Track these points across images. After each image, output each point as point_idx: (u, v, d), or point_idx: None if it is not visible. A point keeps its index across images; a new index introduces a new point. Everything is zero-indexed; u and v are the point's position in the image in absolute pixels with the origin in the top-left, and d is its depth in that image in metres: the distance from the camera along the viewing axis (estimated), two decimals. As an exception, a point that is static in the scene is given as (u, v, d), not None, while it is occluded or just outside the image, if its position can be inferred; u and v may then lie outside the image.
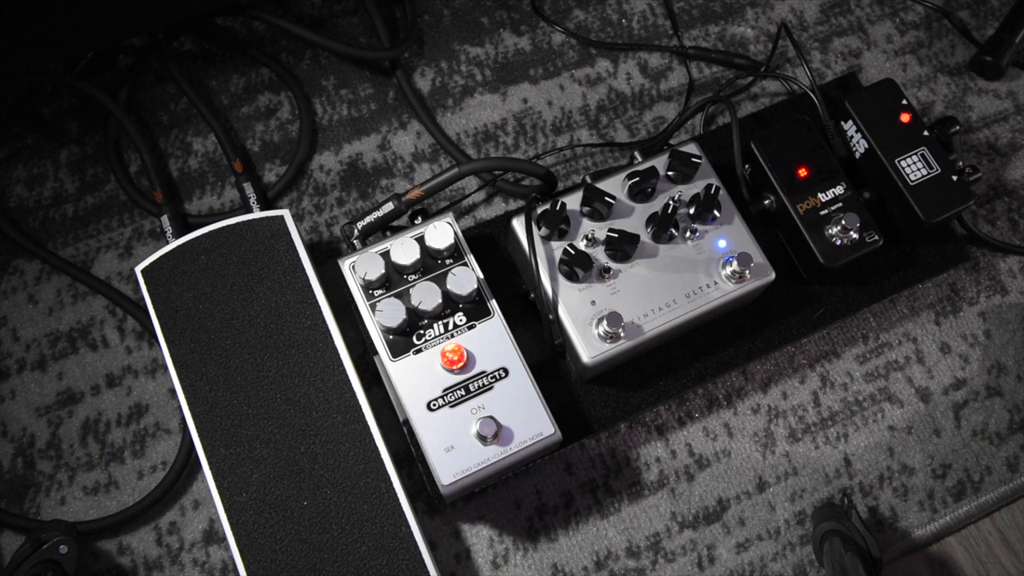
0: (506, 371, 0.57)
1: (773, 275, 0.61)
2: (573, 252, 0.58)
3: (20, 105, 0.72)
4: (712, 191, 0.60)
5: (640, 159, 0.64)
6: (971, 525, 0.65)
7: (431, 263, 0.60)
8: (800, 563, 0.63)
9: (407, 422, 0.57)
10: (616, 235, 0.58)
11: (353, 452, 0.57)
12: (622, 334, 0.57)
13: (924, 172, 0.65)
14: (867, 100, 0.67)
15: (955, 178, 0.65)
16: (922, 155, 0.65)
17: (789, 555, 0.63)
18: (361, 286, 0.59)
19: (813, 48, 0.78)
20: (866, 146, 0.66)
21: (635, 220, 0.61)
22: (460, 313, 0.59)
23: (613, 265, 0.59)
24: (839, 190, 0.64)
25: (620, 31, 0.78)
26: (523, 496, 0.63)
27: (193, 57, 0.75)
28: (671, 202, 0.59)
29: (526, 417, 0.56)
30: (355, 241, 0.62)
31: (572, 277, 0.59)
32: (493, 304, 0.59)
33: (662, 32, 0.78)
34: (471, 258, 0.60)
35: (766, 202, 0.66)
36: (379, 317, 0.57)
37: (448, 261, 0.60)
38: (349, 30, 0.77)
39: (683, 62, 0.77)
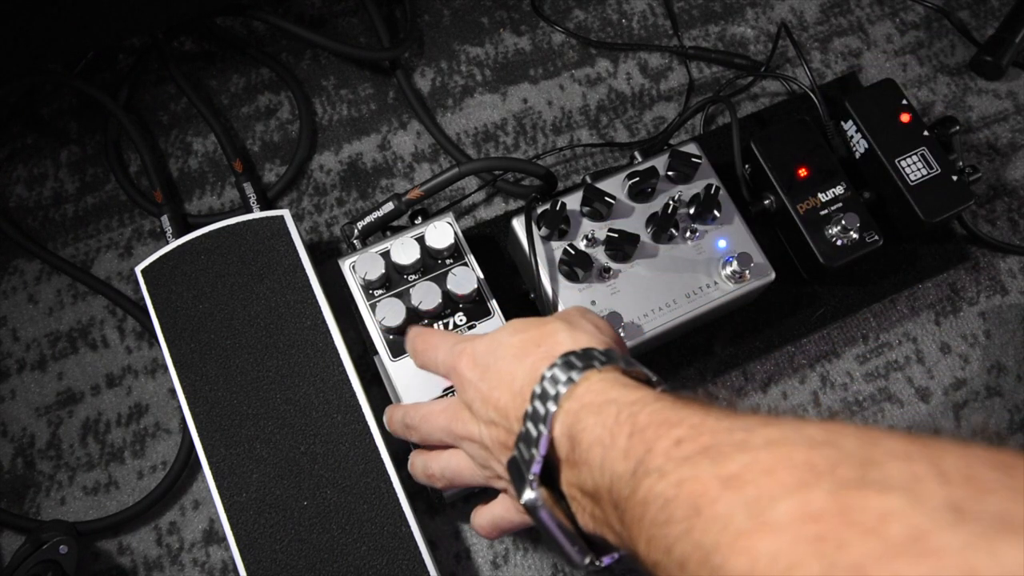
0: (506, 371, 0.57)
1: (773, 275, 0.61)
2: (573, 252, 0.58)
3: (20, 105, 0.72)
4: (712, 191, 0.60)
5: (640, 159, 0.64)
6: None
7: (431, 263, 0.60)
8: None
9: (407, 422, 0.57)
10: (616, 235, 0.58)
11: (353, 452, 0.57)
12: (622, 334, 0.57)
13: (924, 172, 0.65)
14: (867, 100, 0.67)
15: (955, 178, 0.65)
16: (922, 155, 0.65)
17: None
18: (361, 286, 0.59)
19: (813, 48, 0.78)
20: (866, 146, 0.66)
21: (635, 220, 0.61)
22: (460, 313, 0.59)
23: (613, 265, 0.60)
24: (839, 190, 0.64)
25: (620, 31, 0.78)
26: (523, 496, 0.63)
27: (193, 57, 0.75)
28: (671, 202, 0.59)
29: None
30: (355, 241, 0.62)
31: (572, 277, 0.59)
32: (493, 304, 0.59)
33: (662, 32, 0.78)
34: (471, 258, 0.60)
35: (766, 202, 0.66)
36: (379, 317, 0.57)
37: (448, 261, 0.60)
38: (349, 30, 0.77)
39: (683, 62, 0.77)
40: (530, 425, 0.39)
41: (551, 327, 0.43)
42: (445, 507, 0.62)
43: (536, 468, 0.38)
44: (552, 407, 0.38)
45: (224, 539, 0.60)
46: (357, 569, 0.54)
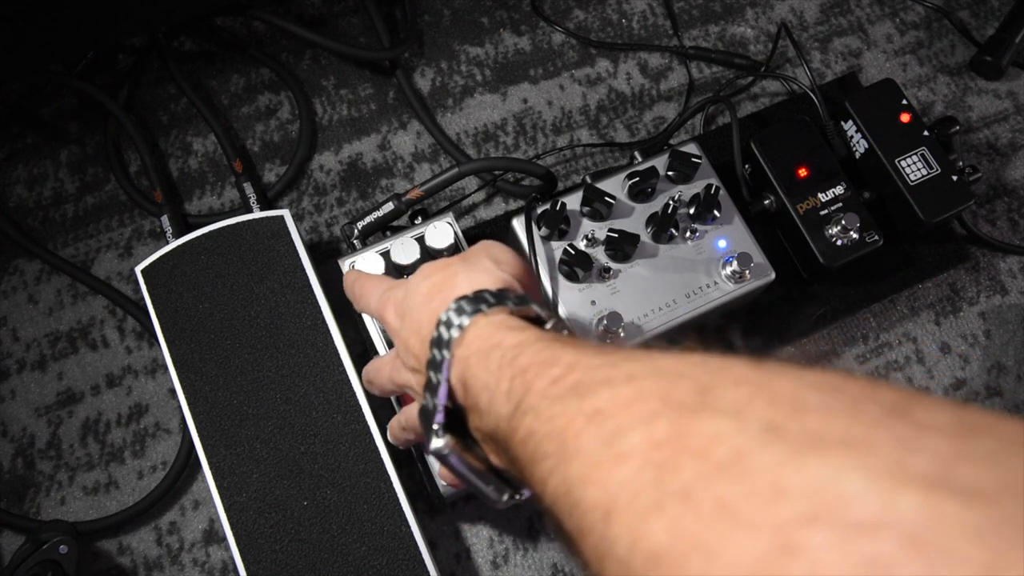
0: (506, 371, 0.57)
1: (773, 275, 0.61)
2: (573, 252, 0.58)
3: (20, 105, 0.72)
4: (712, 191, 0.60)
5: (640, 159, 0.64)
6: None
7: (431, 263, 0.60)
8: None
9: (407, 422, 0.57)
10: (616, 235, 0.58)
11: (353, 452, 0.56)
12: (622, 334, 0.57)
13: (924, 172, 0.65)
14: (867, 100, 0.67)
15: (955, 178, 0.65)
16: (922, 155, 0.65)
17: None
18: (361, 286, 0.59)
19: (813, 48, 0.78)
20: (866, 146, 0.66)
21: (635, 220, 0.61)
22: (460, 313, 0.59)
23: (613, 265, 0.60)
24: (839, 190, 0.64)
25: (620, 31, 0.78)
26: (523, 496, 0.63)
27: (193, 57, 0.75)
28: (671, 202, 0.59)
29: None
30: (355, 241, 0.62)
31: (572, 277, 0.59)
32: (493, 304, 0.59)
33: (662, 32, 0.78)
34: (471, 258, 0.60)
35: (766, 202, 0.66)
36: (379, 317, 0.57)
37: (448, 261, 0.60)
38: (349, 30, 0.77)
39: (683, 62, 0.77)
40: (431, 373, 0.39)
41: (452, 269, 0.44)
42: (445, 507, 0.62)
43: (439, 417, 0.38)
44: (446, 354, 0.38)
45: (224, 539, 0.60)
46: (357, 569, 0.54)
